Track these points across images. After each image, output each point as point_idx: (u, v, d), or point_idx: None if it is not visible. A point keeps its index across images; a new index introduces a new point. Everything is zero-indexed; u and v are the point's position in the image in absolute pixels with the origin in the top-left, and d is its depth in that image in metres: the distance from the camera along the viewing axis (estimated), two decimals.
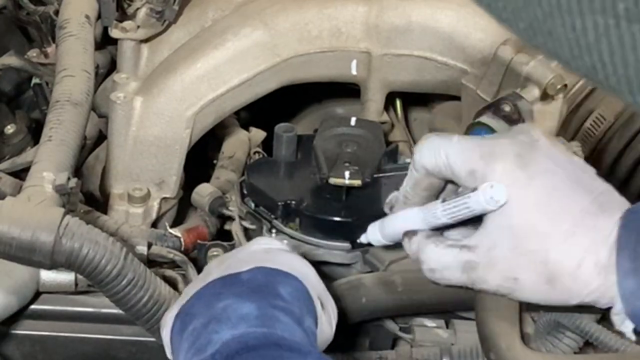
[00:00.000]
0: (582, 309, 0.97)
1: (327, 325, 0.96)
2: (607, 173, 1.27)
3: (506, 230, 0.91)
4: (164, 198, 1.34)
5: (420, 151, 0.97)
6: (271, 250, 1.01)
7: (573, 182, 0.92)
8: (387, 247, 1.11)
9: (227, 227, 1.29)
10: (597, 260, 0.90)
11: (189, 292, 0.96)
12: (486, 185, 0.91)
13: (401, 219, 1.02)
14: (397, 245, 1.06)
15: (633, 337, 0.94)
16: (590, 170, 0.96)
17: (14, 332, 1.12)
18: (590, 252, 0.90)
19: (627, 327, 0.93)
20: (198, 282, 0.97)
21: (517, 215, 0.91)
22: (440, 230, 1.01)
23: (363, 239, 1.09)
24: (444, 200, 0.97)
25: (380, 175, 1.25)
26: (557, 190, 0.92)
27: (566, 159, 0.94)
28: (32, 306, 1.12)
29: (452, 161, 0.94)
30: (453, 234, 1.01)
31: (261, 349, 0.84)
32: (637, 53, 0.36)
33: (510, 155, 0.92)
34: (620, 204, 0.93)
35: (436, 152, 0.95)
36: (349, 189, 1.20)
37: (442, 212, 0.97)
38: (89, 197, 1.36)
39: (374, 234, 1.07)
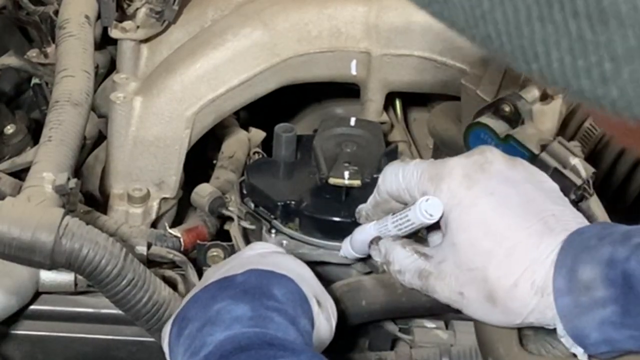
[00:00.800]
0: (535, 329, 0.98)
1: (325, 324, 0.97)
2: (607, 173, 1.27)
3: (452, 247, 0.96)
4: (164, 198, 1.34)
5: (383, 176, 1.04)
6: (266, 254, 1.01)
7: (523, 202, 0.95)
8: (362, 261, 1.15)
9: (226, 227, 1.29)
10: (534, 280, 0.92)
11: (186, 299, 0.96)
12: (422, 199, 0.96)
13: (363, 232, 1.08)
14: (369, 258, 1.11)
15: (584, 357, 0.95)
16: (551, 192, 0.97)
17: (13, 332, 1.12)
18: (528, 271, 0.92)
19: (577, 350, 0.94)
20: (196, 289, 0.97)
21: (460, 233, 0.95)
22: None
23: (341, 253, 1.15)
24: (393, 214, 1.02)
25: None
26: (503, 210, 0.94)
27: (523, 180, 0.97)
28: (32, 306, 1.12)
29: (407, 185, 1.00)
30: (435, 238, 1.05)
31: (254, 349, 0.85)
32: (532, 23, 0.36)
33: (458, 176, 0.96)
34: (571, 225, 0.94)
35: (395, 177, 1.01)
36: (349, 189, 1.20)
37: (391, 224, 1.02)
38: (89, 198, 1.36)
39: (347, 249, 1.13)
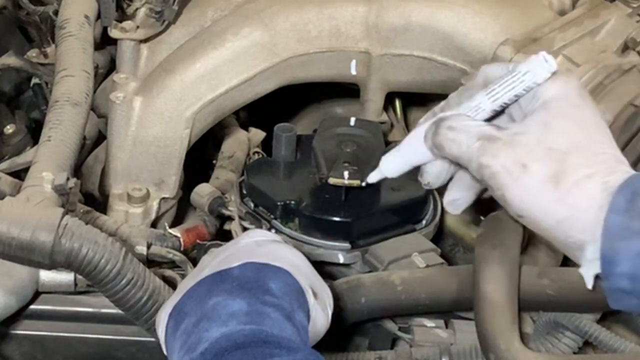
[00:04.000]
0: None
1: (321, 314, 0.96)
2: None
3: (542, 125, 0.93)
4: (164, 198, 1.34)
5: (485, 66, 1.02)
6: (263, 243, 1.01)
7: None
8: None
9: (226, 227, 1.29)
10: (607, 181, 0.90)
11: (182, 288, 0.96)
12: (541, 52, 0.94)
13: (423, 125, 1.00)
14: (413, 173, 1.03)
15: (590, 284, 0.92)
16: None
17: (13, 332, 1.12)
18: (605, 171, 0.90)
19: (590, 271, 0.91)
20: (191, 277, 0.97)
21: (559, 118, 0.93)
22: None
23: (374, 176, 1.04)
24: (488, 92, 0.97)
25: None
26: (603, 126, 0.94)
27: None
28: (32, 306, 1.12)
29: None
30: None
31: (249, 347, 0.85)
32: None
33: (576, 82, 0.96)
34: None
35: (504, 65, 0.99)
36: (349, 189, 1.20)
37: (484, 94, 0.97)
38: (89, 197, 1.36)
39: (390, 162, 1.03)
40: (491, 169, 0.92)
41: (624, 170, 0.92)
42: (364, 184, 1.14)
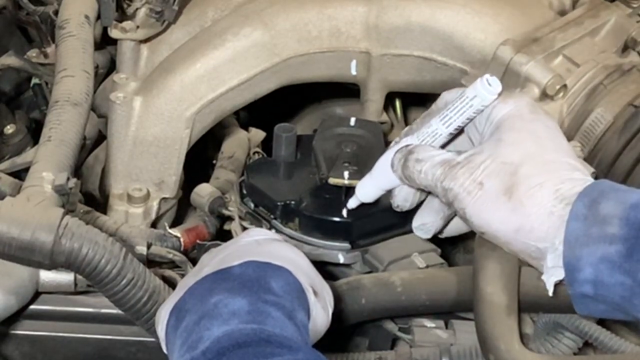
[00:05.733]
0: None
1: (322, 312, 0.97)
2: (607, 172, 1.27)
3: (495, 142, 0.98)
4: (164, 198, 1.34)
5: (444, 93, 1.07)
6: (263, 242, 1.01)
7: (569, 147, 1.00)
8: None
9: (226, 227, 1.29)
10: (559, 188, 0.93)
11: (182, 286, 0.96)
12: (485, 75, 0.99)
13: (387, 154, 1.07)
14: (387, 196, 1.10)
15: (551, 291, 0.93)
16: None
17: (13, 332, 1.13)
18: (558, 179, 0.94)
19: (551, 278, 0.92)
20: (191, 276, 0.98)
21: (510, 133, 0.98)
22: None
23: (353, 202, 1.15)
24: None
25: None
26: (556, 137, 0.99)
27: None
28: (32, 306, 1.12)
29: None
30: None
31: (251, 346, 0.85)
32: None
33: (525, 99, 1.01)
34: None
35: (457, 90, 1.05)
36: (349, 189, 1.20)
37: (438, 120, 1.03)
38: (89, 197, 1.36)
39: (365, 188, 1.12)
40: (453, 191, 0.98)
41: (578, 177, 0.95)
42: (344, 210, 1.18)
